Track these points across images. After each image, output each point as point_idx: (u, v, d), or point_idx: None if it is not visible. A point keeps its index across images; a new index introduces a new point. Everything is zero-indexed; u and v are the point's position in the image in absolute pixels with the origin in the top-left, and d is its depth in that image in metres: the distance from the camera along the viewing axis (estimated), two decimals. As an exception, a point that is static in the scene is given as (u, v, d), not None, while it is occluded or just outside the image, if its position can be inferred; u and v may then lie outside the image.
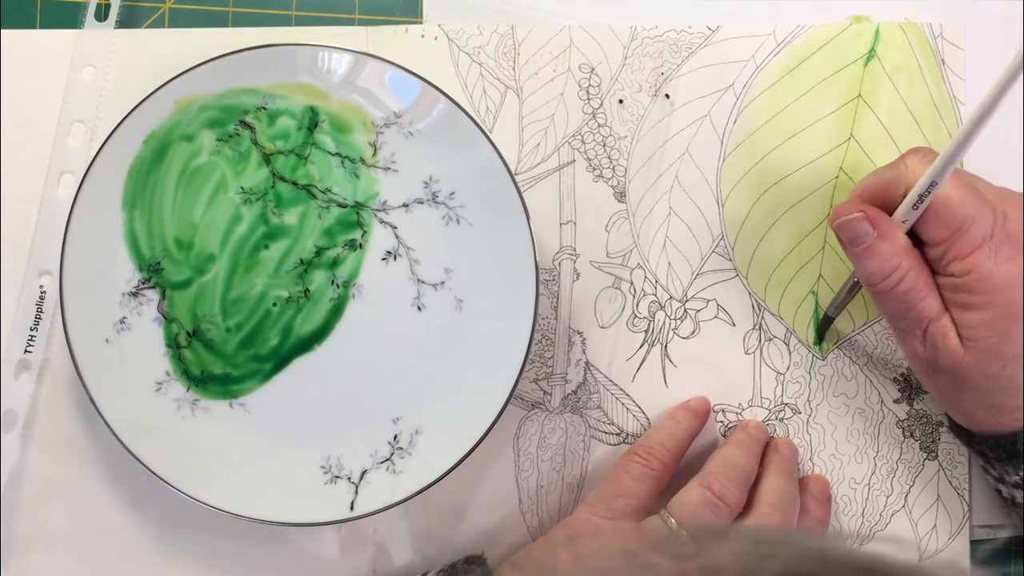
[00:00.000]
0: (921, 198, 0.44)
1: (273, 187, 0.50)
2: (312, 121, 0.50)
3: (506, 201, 0.48)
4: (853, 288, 0.51)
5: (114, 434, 0.48)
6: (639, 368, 0.53)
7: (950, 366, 0.46)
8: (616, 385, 0.53)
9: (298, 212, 0.51)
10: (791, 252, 0.54)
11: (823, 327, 0.53)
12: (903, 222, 0.46)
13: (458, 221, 0.51)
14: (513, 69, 0.53)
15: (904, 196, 0.45)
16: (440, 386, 0.50)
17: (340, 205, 0.51)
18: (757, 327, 0.54)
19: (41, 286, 0.50)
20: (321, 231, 0.51)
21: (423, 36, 0.52)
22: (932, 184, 0.44)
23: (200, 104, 0.49)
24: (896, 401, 0.54)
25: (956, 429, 0.51)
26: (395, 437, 0.50)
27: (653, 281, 0.53)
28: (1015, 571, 0.54)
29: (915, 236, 0.46)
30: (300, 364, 0.51)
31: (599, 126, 0.53)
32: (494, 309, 0.50)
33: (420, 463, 0.49)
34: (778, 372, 0.54)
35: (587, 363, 0.53)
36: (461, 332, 0.51)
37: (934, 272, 0.46)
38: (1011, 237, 0.44)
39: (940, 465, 0.54)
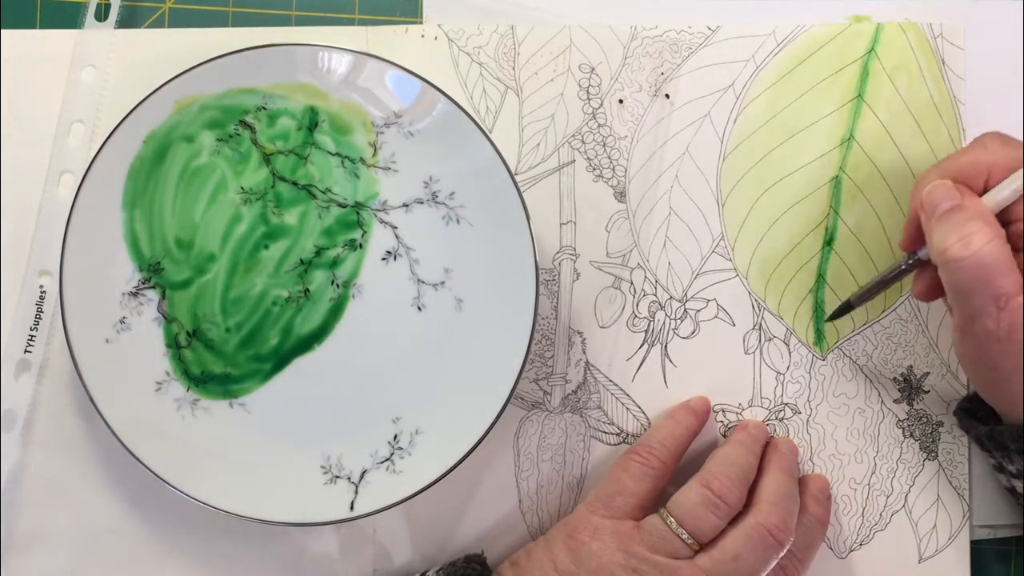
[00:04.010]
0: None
1: (273, 187, 0.50)
2: (312, 121, 0.50)
3: (506, 201, 0.48)
4: (889, 280, 0.50)
5: (114, 434, 0.48)
6: (639, 368, 0.53)
7: None
8: (616, 385, 0.53)
9: (298, 212, 0.51)
10: (791, 252, 0.54)
11: (839, 313, 0.52)
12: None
13: (458, 221, 0.51)
14: (513, 69, 0.53)
15: (985, 179, 0.45)
16: (440, 386, 0.50)
17: (340, 205, 0.51)
18: (757, 327, 0.54)
19: (41, 286, 0.50)
20: (321, 231, 0.51)
21: (423, 36, 0.52)
22: None
23: (200, 104, 0.49)
24: (896, 401, 0.54)
25: (971, 419, 0.51)
26: (395, 437, 0.50)
27: (653, 281, 0.53)
28: (1015, 571, 0.54)
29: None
30: (300, 364, 0.51)
31: (599, 126, 0.53)
32: (494, 309, 0.50)
33: (420, 463, 0.49)
34: (778, 372, 0.54)
35: (587, 363, 0.53)
36: (461, 332, 0.51)
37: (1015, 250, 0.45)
38: None
39: (940, 465, 0.54)
